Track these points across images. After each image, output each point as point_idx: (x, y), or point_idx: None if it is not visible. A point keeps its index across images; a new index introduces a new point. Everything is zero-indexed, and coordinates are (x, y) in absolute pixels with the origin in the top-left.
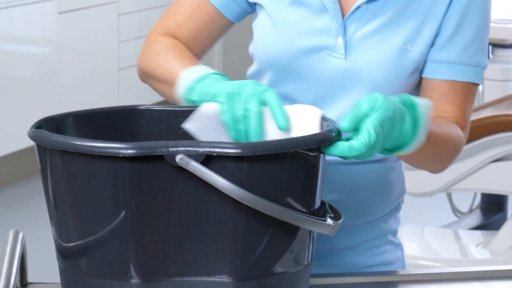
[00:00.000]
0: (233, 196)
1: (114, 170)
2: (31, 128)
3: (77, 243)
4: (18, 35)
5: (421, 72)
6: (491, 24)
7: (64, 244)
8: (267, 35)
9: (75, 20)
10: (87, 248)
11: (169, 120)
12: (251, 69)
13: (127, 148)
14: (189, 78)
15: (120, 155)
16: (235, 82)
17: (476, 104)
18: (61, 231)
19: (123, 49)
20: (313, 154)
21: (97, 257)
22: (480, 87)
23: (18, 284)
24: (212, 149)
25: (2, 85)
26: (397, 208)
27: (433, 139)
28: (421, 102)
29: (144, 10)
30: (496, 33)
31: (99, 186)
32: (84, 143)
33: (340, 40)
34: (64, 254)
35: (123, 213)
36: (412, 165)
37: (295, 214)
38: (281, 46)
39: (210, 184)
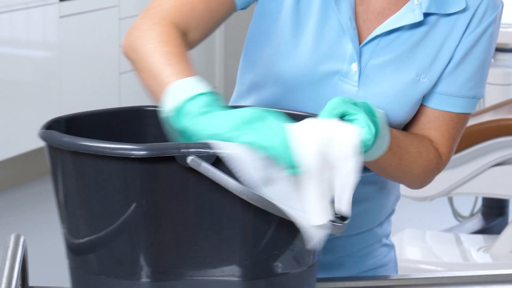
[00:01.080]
0: (244, 197)
1: (126, 171)
2: (41, 129)
3: (88, 241)
4: (19, 39)
5: None
6: None
7: (75, 242)
8: (284, 52)
9: (76, 24)
10: (98, 247)
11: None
12: (246, 77)
13: (139, 150)
14: (177, 99)
15: (132, 156)
16: (240, 115)
17: (477, 108)
18: (72, 230)
19: None
20: None
21: (108, 256)
22: None
23: (20, 287)
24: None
25: (3, 89)
26: (392, 212)
27: (396, 151)
28: (378, 109)
29: None
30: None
31: (111, 186)
32: (95, 144)
33: (354, 66)
34: (74, 252)
35: (134, 213)
36: (385, 177)
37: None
38: (297, 66)
39: (221, 186)
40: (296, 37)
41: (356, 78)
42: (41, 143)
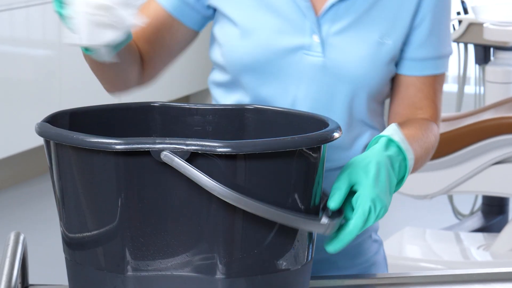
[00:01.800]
0: (215, 193)
1: (105, 164)
2: (43, 120)
3: (77, 233)
4: (19, 37)
5: (398, 68)
6: (492, 27)
7: (67, 235)
8: (238, 41)
9: None
10: (85, 239)
11: (185, 117)
12: (218, 77)
13: (115, 144)
14: None
15: (108, 150)
16: None
17: (477, 106)
18: (66, 222)
19: None
20: (309, 153)
21: (94, 248)
22: (482, 89)
23: (19, 286)
24: (198, 147)
25: (3, 87)
26: None
27: (417, 160)
28: (404, 145)
29: None
30: (497, 35)
31: (94, 179)
32: (76, 137)
33: (316, 38)
34: (67, 244)
35: (115, 206)
36: None
37: (282, 213)
38: (256, 49)
39: (187, 181)
40: (253, 21)
41: (319, 49)
42: (41, 142)
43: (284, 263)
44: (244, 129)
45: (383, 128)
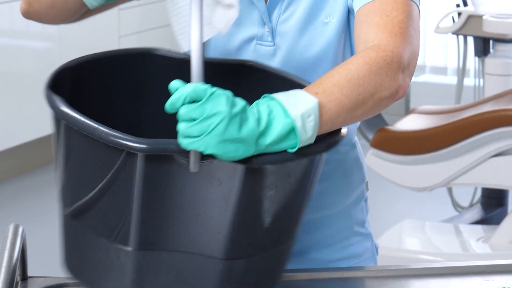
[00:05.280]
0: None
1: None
2: (48, 81)
3: (86, 202)
4: (19, 30)
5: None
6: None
7: (72, 200)
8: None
9: None
10: (93, 209)
11: (185, 69)
12: None
13: (140, 147)
14: None
15: (132, 151)
16: None
17: (476, 98)
18: (72, 190)
19: (124, 43)
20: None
21: (101, 219)
22: (481, 81)
23: (19, 278)
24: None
25: (3, 80)
26: (361, 197)
27: (335, 88)
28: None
29: (145, 4)
30: (496, 27)
31: (104, 162)
32: (100, 132)
33: (266, 28)
34: (69, 204)
35: (127, 191)
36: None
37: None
38: (216, 42)
39: (206, 173)
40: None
41: (270, 38)
42: (41, 134)
43: (279, 241)
44: (239, 84)
45: None
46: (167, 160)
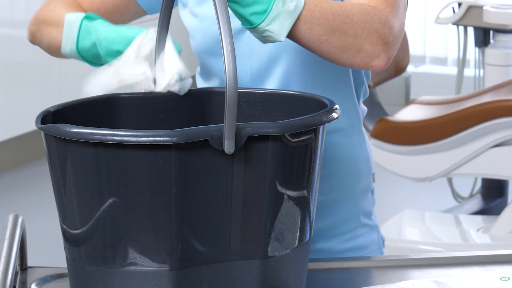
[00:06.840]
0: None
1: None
2: (39, 124)
3: (97, 235)
4: (19, 21)
5: None
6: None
7: (78, 234)
8: (196, 27)
9: None
10: (129, 235)
11: (148, 107)
12: (198, 68)
13: (171, 136)
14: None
15: (163, 143)
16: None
17: (476, 89)
18: (79, 221)
19: None
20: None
21: (136, 243)
22: (481, 72)
23: (18, 268)
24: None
25: (3, 70)
26: (367, 188)
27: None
28: None
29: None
30: (496, 18)
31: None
32: (120, 132)
33: None
34: (71, 242)
35: (163, 203)
36: (331, 56)
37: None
38: (208, 36)
39: (242, 166)
40: (206, 7)
41: None
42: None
43: (284, 246)
44: (210, 112)
45: (351, 92)
46: (200, 150)
